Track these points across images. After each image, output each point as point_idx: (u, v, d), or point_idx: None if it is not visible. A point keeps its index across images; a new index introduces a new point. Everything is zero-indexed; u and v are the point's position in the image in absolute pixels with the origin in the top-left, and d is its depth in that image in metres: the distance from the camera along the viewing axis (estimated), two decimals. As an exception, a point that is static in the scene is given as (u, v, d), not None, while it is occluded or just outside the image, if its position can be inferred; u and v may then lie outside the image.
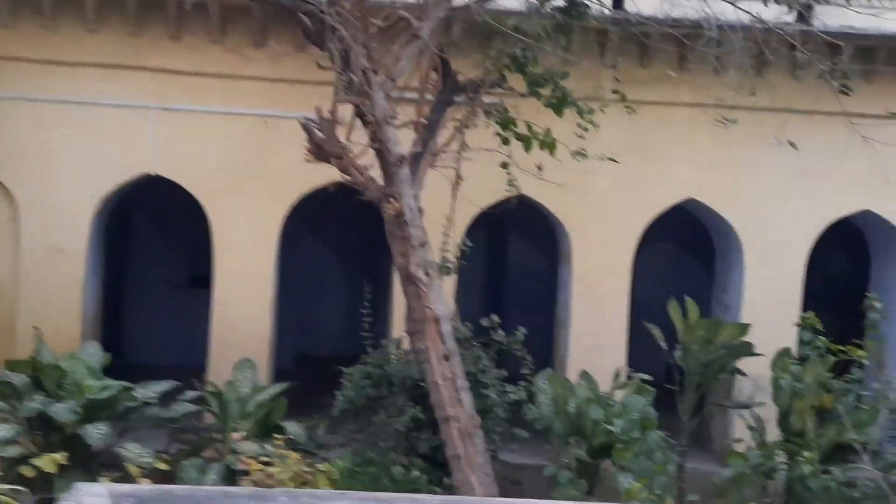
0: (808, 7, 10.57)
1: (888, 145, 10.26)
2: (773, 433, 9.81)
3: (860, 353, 7.02)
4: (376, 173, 8.34)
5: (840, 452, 8.76)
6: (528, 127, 9.00)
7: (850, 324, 10.40)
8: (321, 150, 8.37)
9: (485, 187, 10.31)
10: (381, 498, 4.53)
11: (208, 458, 8.85)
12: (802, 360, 9.34)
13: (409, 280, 8.26)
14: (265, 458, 8.03)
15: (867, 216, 12.31)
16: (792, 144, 8.51)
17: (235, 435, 8.37)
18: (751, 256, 12.10)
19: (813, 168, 11.75)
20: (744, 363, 10.74)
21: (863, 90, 10.84)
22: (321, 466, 7.19)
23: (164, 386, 9.67)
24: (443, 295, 8.48)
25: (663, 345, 10.42)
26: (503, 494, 8.94)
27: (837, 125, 10.78)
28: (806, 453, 6.52)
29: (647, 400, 7.54)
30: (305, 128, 8.27)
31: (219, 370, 11.03)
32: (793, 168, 11.72)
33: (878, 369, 9.01)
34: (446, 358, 8.15)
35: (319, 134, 8.28)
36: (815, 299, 12.38)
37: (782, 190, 11.96)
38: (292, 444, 8.73)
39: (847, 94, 9.29)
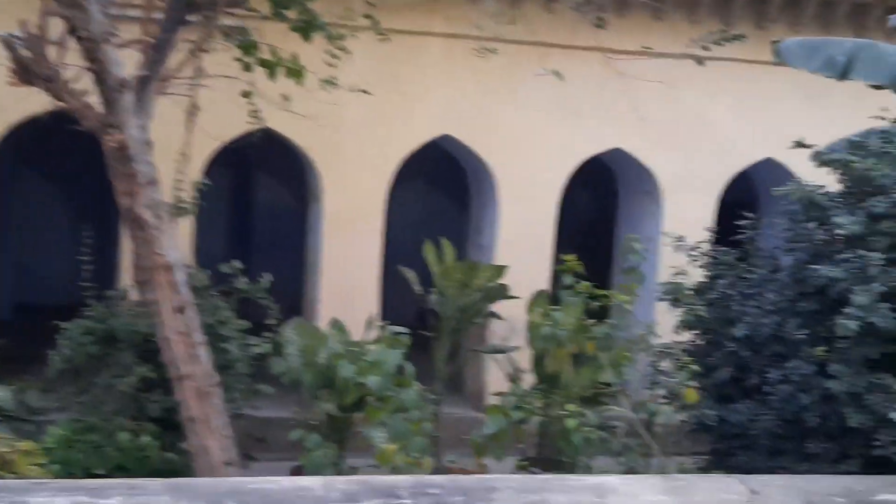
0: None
1: (642, 81, 10.18)
2: (529, 376, 9.61)
3: (624, 298, 6.77)
4: (96, 100, 7.25)
5: (595, 395, 8.62)
6: (273, 52, 8.13)
7: (598, 263, 10.30)
8: (28, 72, 7.19)
9: (225, 119, 9.34)
10: (92, 486, 3.66)
11: None
12: (557, 302, 9.12)
13: (136, 223, 7.25)
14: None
15: (618, 154, 12.27)
16: (557, 75, 8.11)
17: None
18: (505, 195, 11.80)
19: (569, 104, 11.51)
20: (499, 306, 10.46)
21: (618, 25, 10.68)
22: (23, 445, 6.15)
23: None
24: (176, 239, 7.56)
25: (418, 289, 9.94)
26: (246, 453, 8.25)
27: (593, 60, 10.60)
28: (569, 406, 6.18)
29: (402, 353, 6.98)
30: (8, 45, 7.06)
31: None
32: (549, 104, 11.45)
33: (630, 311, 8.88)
34: (180, 310, 7.24)
35: (25, 52, 7.09)
36: (566, 239, 12.32)
37: (537, 126, 11.66)
38: (-1, 412, 7.57)
39: (602, 27, 9.07)
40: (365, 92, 8.85)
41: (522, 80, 11.20)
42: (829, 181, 7.05)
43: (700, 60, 9.44)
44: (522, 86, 11.31)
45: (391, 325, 9.32)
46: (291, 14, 8.15)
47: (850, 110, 10.37)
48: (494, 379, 10.87)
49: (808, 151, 7.53)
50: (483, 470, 7.05)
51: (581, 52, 10.79)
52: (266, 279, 8.74)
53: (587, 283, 6.52)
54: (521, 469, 7.01)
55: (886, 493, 5.37)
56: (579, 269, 6.48)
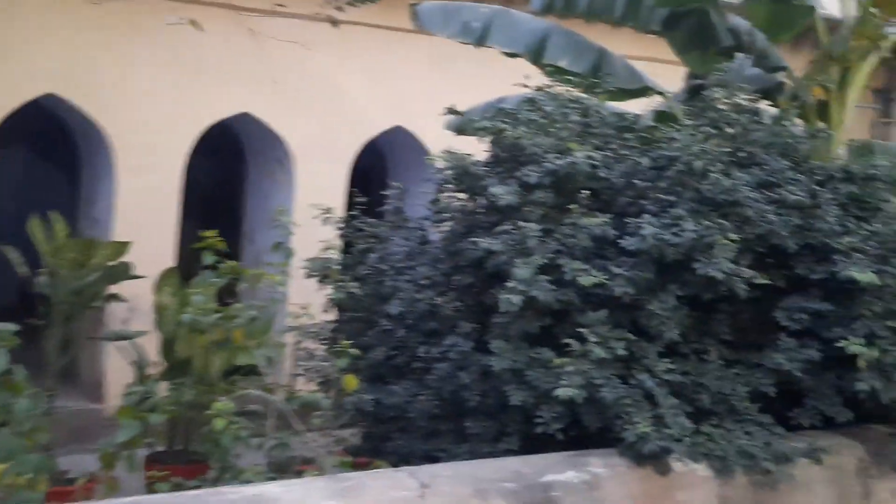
0: None
1: (274, 42, 9.56)
2: (157, 362, 8.73)
3: (277, 279, 6.14)
4: None
5: (233, 381, 7.96)
6: None
7: (226, 236, 9.60)
8: None
9: None
10: None
11: None
12: (188, 280, 8.30)
13: None
14: None
15: (246, 119, 11.51)
16: (194, 25, 7.25)
17: None
18: (123, 163, 10.60)
19: (194, 64, 10.52)
20: (121, 287, 9.40)
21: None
22: None
23: None
24: None
25: (23, 270, 8.65)
26: None
27: (222, 17, 9.79)
28: (216, 405, 5.46)
29: (7, 353, 5.85)
30: None
31: None
32: (172, 63, 10.42)
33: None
34: None
35: None
36: (192, 212, 11.44)
37: (159, 87, 10.56)
38: None
39: (231, -18, 8.37)
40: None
41: (142, 35, 10.09)
42: (465, 149, 6.83)
43: (334, 22, 9.01)
44: (142, 41, 10.18)
45: (-10, 313, 8.03)
46: None
47: (476, 78, 10.42)
48: (114, 367, 9.82)
49: (435, 119, 7.31)
50: (114, 484, 6.15)
51: (208, 7, 9.89)
52: None
53: (233, 263, 5.81)
54: (155, 479, 6.15)
55: (552, 473, 5.24)
56: (221, 247, 5.75)
